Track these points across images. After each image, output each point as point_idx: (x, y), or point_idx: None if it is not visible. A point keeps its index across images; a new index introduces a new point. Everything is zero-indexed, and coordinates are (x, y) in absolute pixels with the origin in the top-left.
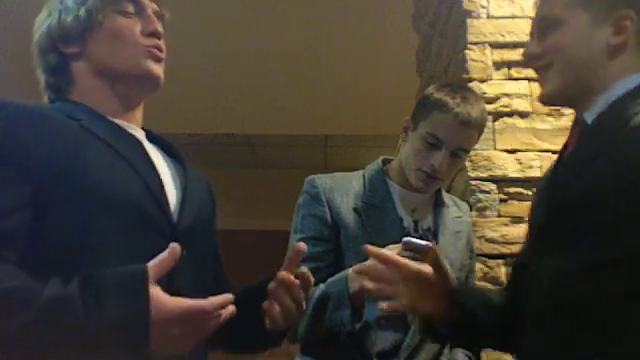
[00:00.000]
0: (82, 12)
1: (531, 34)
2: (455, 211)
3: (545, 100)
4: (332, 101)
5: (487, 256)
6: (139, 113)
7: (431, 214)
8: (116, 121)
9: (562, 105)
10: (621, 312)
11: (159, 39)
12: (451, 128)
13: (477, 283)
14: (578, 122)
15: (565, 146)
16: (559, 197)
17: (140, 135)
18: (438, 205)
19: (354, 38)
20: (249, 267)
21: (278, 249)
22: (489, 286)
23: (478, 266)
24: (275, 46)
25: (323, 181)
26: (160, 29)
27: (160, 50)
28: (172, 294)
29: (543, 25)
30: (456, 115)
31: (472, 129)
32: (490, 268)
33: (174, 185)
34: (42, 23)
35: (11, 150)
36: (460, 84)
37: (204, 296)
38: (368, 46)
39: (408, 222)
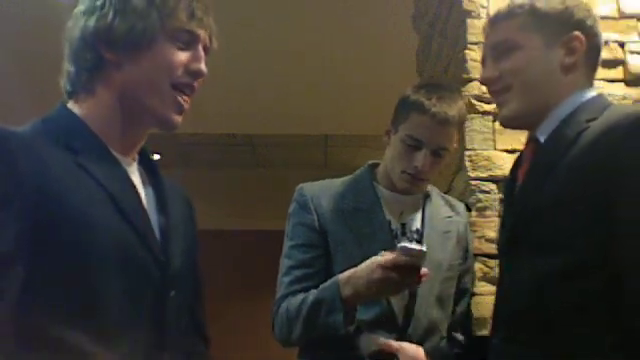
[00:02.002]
0: (140, 26)
1: (483, 60)
2: (446, 211)
3: (505, 122)
4: (332, 101)
5: (487, 256)
6: (140, 144)
7: (419, 216)
8: (113, 152)
9: (520, 127)
10: (596, 310)
11: (199, 78)
12: (429, 128)
13: (477, 283)
14: (531, 140)
15: (519, 161)
16: (523, 207)
17: (133, 168)
18: (426, 206)
19: (354, 38)
20: (249, 267)
21: (278, 249)
22: (489, 286)
23: (478, 266)
24: (276, 46)
25: (311, 189)
26: (204, 69)
27: (192, 91)
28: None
29: (498, 50)
30: (433, 115)
31: (450, 127)
32: (490, 268)
33: (158, 224)
34: (90, 14)
35: (8, 186)
36: (437, 83)
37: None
38: (368, 46)
39: (396, 225)
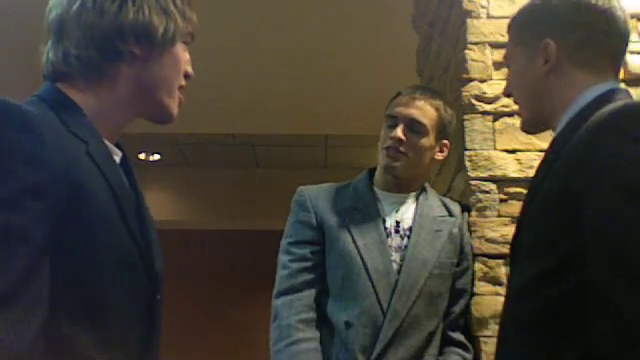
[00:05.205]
0: (171, 27)
1: None
2: (440, 211)
3: (523, 131)
4: (332, 101)
5: (487, 256)
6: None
7: (413, 214)
8: (106, 143)
9: (540, 131)
10: (568, 319)
11: (189, 79)
12: (399, 103)
13: (477, 283)
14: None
15: None
16: (522, 210)
17: (118, 158)
18: (419, 205)
19: (354, 38)
20: (249, 267)
21: (278, 249)
22: (489, 286)
23: (478, 266)
24: (276, 46)
25: (310, 190)
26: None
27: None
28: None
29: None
30: (403, 93)
31: (419, 100)
32: (490, 268)
33: (139, 224)
34: (123, 4)
35: (43, 173)
36: (426, 86)
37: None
38: (368, 46)
39: (390, 223)
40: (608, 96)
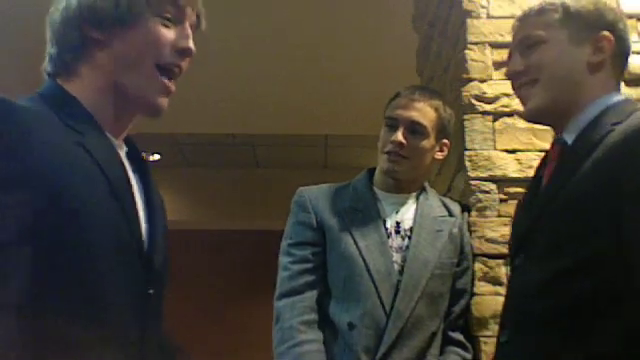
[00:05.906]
0: (124, 2)
1: (509, 56)
2: (440, 211)
3: (529, 116)
4: (332, 101)
5: (487, 256)
6: (127, 129)
7: (413, 215)
8: (107, 134)
9: (543, 122)
10: (589, 313)
11: (187, 56)
12: (398, 105)
13: (477, 283)
14: (557, 141)
15: (543, 163)
16: (541, 209)
17: (123, 153)
18: (420, 205)
19: (354, 38)
20: (249, 267)
21: (278, 249)
22: (489, 286)
23: (478, 266)
24: (276, 47)
25: (310, 191)
26: (193, 47)
27: (180, 72)
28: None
29: (525, 44)
30: (405, 95)
31: (419, 102)
32: (490, 268)
33: (145, 220)
34: None
35: (20, 163)
36: (425, 86)
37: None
38: (368, 46)
39: (391, 224)
40: (626, 106)
